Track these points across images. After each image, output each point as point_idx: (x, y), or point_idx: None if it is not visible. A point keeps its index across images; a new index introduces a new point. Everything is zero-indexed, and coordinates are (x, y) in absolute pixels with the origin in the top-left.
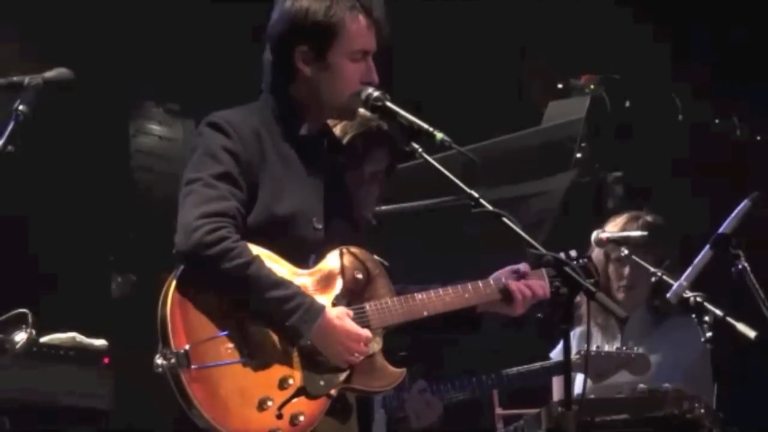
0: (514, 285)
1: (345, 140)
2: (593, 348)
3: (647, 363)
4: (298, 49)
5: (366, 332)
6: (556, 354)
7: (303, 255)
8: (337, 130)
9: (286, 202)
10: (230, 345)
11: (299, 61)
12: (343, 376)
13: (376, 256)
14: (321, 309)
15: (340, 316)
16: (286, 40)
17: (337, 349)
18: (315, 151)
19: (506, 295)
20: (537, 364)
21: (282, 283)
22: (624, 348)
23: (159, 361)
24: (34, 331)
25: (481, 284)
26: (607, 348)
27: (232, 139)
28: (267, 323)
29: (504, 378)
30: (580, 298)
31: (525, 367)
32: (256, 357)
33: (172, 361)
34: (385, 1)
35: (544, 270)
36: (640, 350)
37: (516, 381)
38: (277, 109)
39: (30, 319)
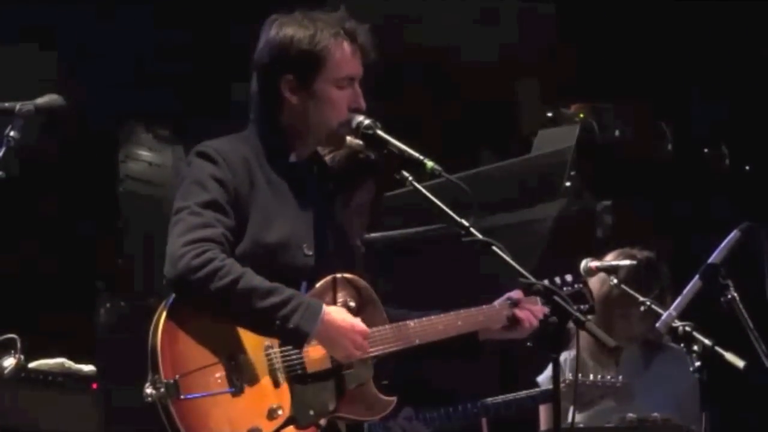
0: (518, 310)
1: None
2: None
3: (631, 392)
4: (284, 78)
5: (364, 326)
6: (544, 379)
7: (294, 282)
8: (326, 160)
9: (276, 230)
10: (220, 375)
11: (286, 90)
12: (332, 406)
13: (367, 284)
14: (320, 305)
15: (338, 310)
16: (272, 69)
17: (342, 343)
18: (305, 178)
19: (512, 320)
20: (523, 393)
21: (276, 288)
22: (609, 377)
23: (148, 390)
24: (22, 357)
25: (474, 311)
26: (591, 377)
27: (220, 167)
28: (269, 332)
29: (490, 407)
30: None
31: (511, 395)
32: (245, 387)
33: (162, 390)
34: (370, 27)
35: (539, 300)
36: (628, 380)
37: (502, 409)
38: (265, 137)
39: (18, 344)
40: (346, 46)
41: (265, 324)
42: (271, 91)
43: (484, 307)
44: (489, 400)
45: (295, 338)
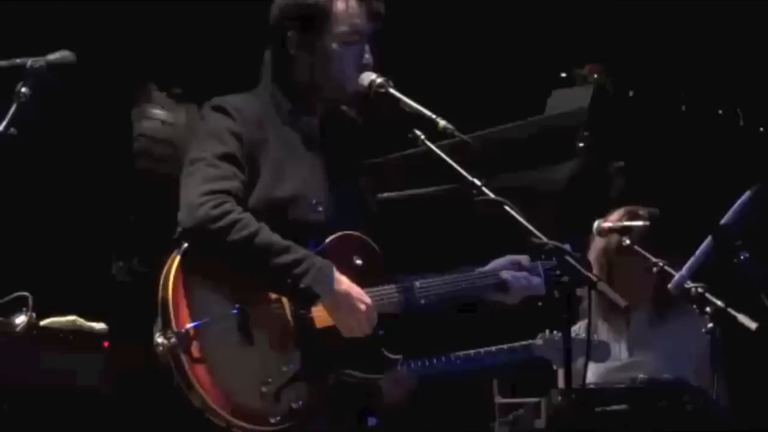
0: (510, 275)
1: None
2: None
3: (607, 350)
4: (289, 35)
5: (369, 300)
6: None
7: (304, 236)
8: None
9: (287, 185)
10: (231, 326)
11: (292, 47)
12: (340, 362)
13: (374, 243)
14: (331, 266)
15: (348, 282)
16: (278, 26)
17: (347, 308)
18: (316, 135)
19: (502, 285)
20: (504, 346)
21: (290, 247)
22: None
23: (159, 339)
24: (34, 314)
25: (478, 273)
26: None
27: (236, 121)
28: (280, 288)
29: (474, 358)
30: (583, 291)
31: (494, 347)
32: (256, 340)
33: (173, 340)
34: None
35: (540, 265)
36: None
37: (487, 362)
38: (277, 94)
39: (30, 302)
40: (351, 1)
41: (278, 281)
42: (280, 49)
43: (487, 269)
44: (472, 351)
45: (305, 299)
